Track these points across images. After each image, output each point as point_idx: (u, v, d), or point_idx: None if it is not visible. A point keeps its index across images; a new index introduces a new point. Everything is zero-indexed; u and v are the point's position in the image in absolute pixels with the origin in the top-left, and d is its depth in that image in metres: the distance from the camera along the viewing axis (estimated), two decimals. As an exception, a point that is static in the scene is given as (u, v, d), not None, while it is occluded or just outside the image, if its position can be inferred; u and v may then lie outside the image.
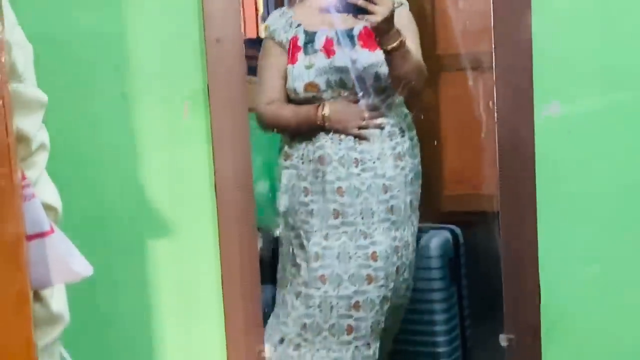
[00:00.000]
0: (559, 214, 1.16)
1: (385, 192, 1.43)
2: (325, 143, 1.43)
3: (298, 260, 1.48)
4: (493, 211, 1.19)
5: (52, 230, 0.82)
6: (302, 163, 1.47)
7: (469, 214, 1.69)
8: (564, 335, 1.19)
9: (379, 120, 1.44)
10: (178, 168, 1.17)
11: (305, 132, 1.45)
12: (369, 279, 1.43)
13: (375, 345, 1.47)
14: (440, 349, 1.73)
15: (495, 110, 1.12)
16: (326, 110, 1.41)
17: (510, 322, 1.15)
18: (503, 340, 1.13)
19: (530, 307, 1.14)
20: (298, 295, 1.46)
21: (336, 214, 1.42)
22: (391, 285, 1.45)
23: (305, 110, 1.44)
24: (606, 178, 1.18)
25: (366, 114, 1.42)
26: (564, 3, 1.15)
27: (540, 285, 1.15)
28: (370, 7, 1.25)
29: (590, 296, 1.20)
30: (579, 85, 1.17)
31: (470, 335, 1.76)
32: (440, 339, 1.72)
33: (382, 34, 1.30)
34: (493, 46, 1.11)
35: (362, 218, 1.44)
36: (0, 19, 0.69)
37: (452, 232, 1.76)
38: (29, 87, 0.84)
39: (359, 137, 1.42)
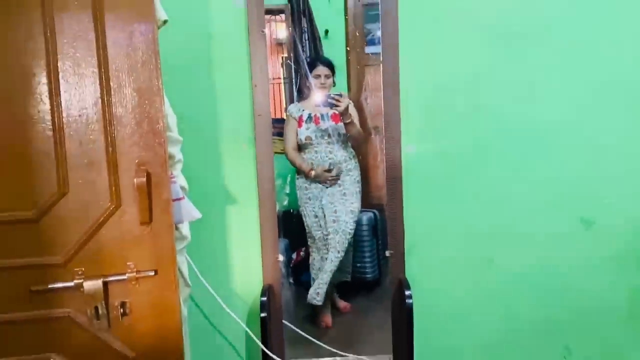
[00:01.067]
0: (413, 200, 2.08)
1: (344, 194, 2.73)
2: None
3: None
4: None
5: (183, 197, 1.69)
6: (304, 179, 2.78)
7: (379, 204, 2.76)
8: (414, 252, 2.11)
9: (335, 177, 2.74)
10: (242, 173, 2.05)
11: None
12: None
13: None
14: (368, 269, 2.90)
15: (385, 151, 2.05)
16: (312, 173, 2.73)
17: (391, 245, 2.09)
18: (388, 253, 2.09)
19: (400, 242, 2.08)
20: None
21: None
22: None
23: (306, 166, 2.74)
24: (437, 183, 2.10)
25: (330, 177, 2.74)
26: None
27: (404, 230, 2.08)
28: (337, 104, 2.52)
29: (427, 235, 2.12)
30: (419, 140, 2.06)
31: (382, 260, 2.87)
32: (368, 264, 2.89)
33: (342, 115, 2.58)
34: (382, 123, 2.04)
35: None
36: (162, 103, 1.42)
37: (374, 213, 2.97)
38: (174, 133, 1.77)
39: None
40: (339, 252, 2.73)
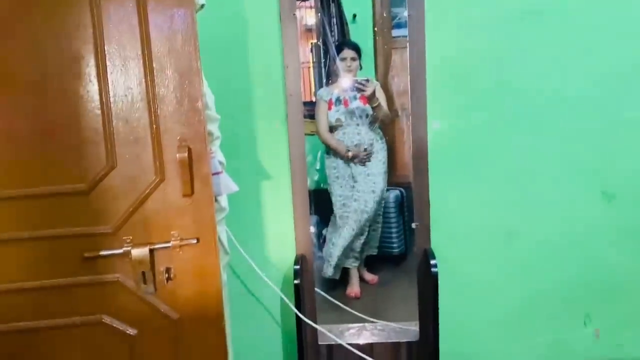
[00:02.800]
0: (438, 174, 2.10)
1: (368, 175, 2.77)
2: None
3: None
4: None
5: (222, 172, 1.75)
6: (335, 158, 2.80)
7: (406, 182, 2.80)
8: (439, 224, 2.14)
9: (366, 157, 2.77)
10: (275, 147, 2.11)
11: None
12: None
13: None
14: (394, 244, 2.95)
15: (411, 127, 2.06)
16: (350, 154, 2.74)
17: (417, 217, 2.11)
18: (414, 225, 2.12)
19: (425, 214, 2.10)
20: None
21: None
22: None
23: (342, 147, 2.76)
24: (462, 157, 2.10)
25: (365, 155, 2.76)
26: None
27: (430, 202, 2.10)
28: (363, 89, 2.55)
29: (452, 207, 2.14)
30: (444, 116, 2.07)
31: (409, 236, 2.92)
32: (395, 239, 2.94)
33: (369, 99, 2.60)
34: (409, 101, 2.06)
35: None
36: (201, 84, 1.45)
37: (400, 190, 3.03)
38: (212, 112, 1.75)
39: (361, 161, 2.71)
40: (353, 229, 2.78)
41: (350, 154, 2.75)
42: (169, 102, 1.47)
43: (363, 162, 2.76)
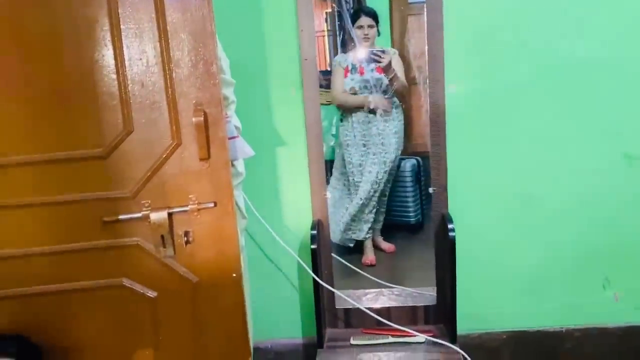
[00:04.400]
0: (455, 138, 2.07)
1: (382, 144, 2.72)
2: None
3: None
4: None
5: (237, 136, 1.74)
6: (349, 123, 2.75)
7: (423, 151, 2.67)
8: (456, 189, 2.12)
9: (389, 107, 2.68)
10: (291, 113, 2.09)
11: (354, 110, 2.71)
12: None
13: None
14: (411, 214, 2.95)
15: (428, 91, 2.04)
16: (371, 103, 2.66)
17: (434, 182, 2.10)
18: (431, 190, 2.11)
19: (443, 178, 2.09)
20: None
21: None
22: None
23: (361, 99, 2.67)
24: (479, 120, 2.08)
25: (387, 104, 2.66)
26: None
27: (447, 170, 2.08)
28: (380, 60, 2.51)
29: (469, 171, 2.12)
30: (461, 79, 2.03)
31: (425, 205, 2.87)
32: (411, 208, 2.93)
33: (385, 70, 2.55)
34: (426, 66, 2.03)
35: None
36: (216, 47, 1.43)
37: (416, 159, 2.95)
38: (227, 76, 1.72)
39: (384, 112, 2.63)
40: (361, 199, 2.77)
41: (370, 102, 2.71)
42: (184, 65, 1.46)
43: (387, 110, 2.72)
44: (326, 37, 3.41)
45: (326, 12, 3.46)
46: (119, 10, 1.42)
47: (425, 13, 1.99)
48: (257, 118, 2.09)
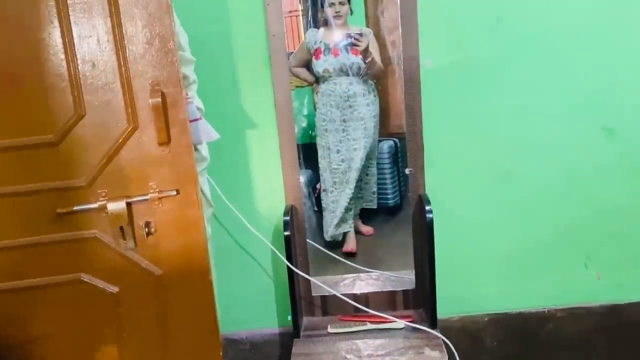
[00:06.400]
0: (432, 120, 2.00)
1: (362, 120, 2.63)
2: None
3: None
4: None
5: (200, 118, 1.64)
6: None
7: (401, 132, 2.61)
8: (433, 168, 2.06)
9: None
10: (259, 93, 1.99)
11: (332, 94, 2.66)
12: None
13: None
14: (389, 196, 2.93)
15: (402, 66, 1.96)
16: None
17: (411, 163, 2.04)
18: (407, 171, 2.05)
19: (419, 158, 2.03)
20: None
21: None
22: None
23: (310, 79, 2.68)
24: (451, 97, 2.01)
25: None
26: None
27: (424, 149, 2.02)
28: (357, 44, 2.44)
29: (446, 150, 2.06)
30: (436, 53, 1.97)
31: (403, 187, 2.83)
32: (389, 190, 2.91)
33: (362, 54, 2.46)
34: (400, 42, 1.95)
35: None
36: (173, 22, 1.34)
37: (394, 141, 2.93)
38: (186, 53, 1.63)
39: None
40: (351, 189, 2.70)
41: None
42: (138, 42, 1.37)
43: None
44: (300, 17, 3.31)
45: (300, -9, 3.36)
46: (65, -17, 1.32)
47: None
48: (222, 99, 1.99)
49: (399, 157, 3.00)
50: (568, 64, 1.97)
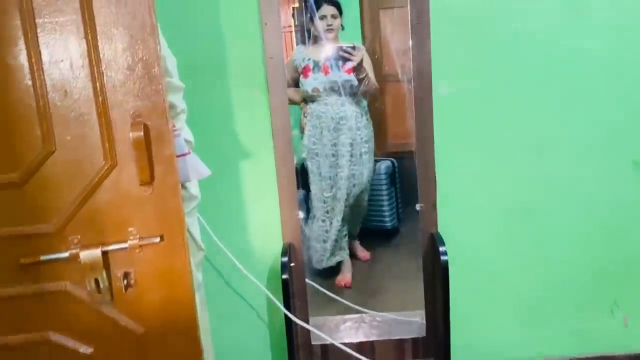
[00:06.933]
0: (444, 146, 1.85)
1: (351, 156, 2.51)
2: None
3: None
4: (412, 150, 1.91)
5: (189, 152, 1.48)
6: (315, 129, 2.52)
7: (398, 152, 2.58)
8: (448, 205, 1.91)
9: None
10: (255, 123, 1.84)
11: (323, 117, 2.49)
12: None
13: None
14: (387, 218, 2.79)
15: (414, 91, 1.80)
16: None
17: (422, 198, 1.87)
18: (418, 207, 1.87)
19: (432, 191, 1.86)
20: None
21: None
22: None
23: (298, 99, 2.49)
24: (468, 126, 1.86)
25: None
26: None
27: (436, 181, 1.85)
28: (350, 57, 2.26)
29: (461, 186, 1.90)
30: (450, 78, 1.82)
31: (401, 212, 2.71)
32: (387, 212, 2.75)
33: (356, 69, 2.30)
34: (411, 65, 1.79)
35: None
36: (158, 44, 1.17)
37: (391, 161, 2.78)
38: (174, 79, 1.45)
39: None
40: (338, 220, 2.53)
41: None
42: (118, 68, 1.19)
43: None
44: (293, 33, 3.20)
45: (293, 8, 3.27)
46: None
47: (408, 4, 1.75)
48: (214, 128, 1.83)
49: (396, 178, 2.86)
50: (595, 92, 1.83)
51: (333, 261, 2.59)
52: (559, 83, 1.82)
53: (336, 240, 2.55)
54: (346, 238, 2.63)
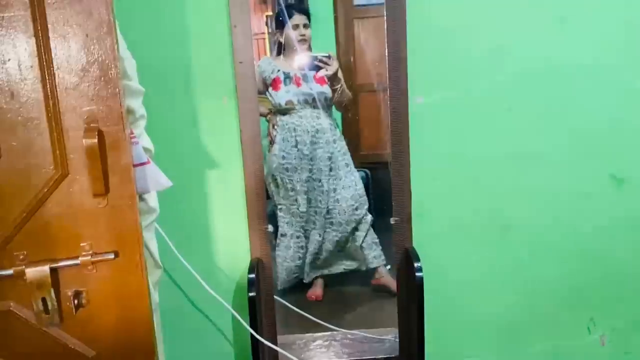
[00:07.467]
0: (420, 157, 1.79)
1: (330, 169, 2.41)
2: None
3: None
4: (386, 161, 1.84)
5: (148, 162, 1.37)
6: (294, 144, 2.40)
7: (372, 162, 2.48)
8: (422, 219, 1.84)
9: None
10: (223, 131, 1.75)
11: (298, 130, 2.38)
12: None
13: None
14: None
15: (389, 102, 1.74)
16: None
17: (396, 212, 1.81)
18: (392, 221, 1.81)
19: (406, 204, 1.80)
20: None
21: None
22: None
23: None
24: (444, 138, 1.81)
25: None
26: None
27: (411, 194, 1.80)
28: (325, 65, 2.17)
29: (436, 198, 1.85)
30: (427, 89, 1.77)
31: (375, 224, 2.49)
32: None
33: (331, 79, 2.23)
34: (387, 75, 1.73)
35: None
36: (116, 44, 1.10)
37: (365, 172, 2.61)
38: (133, 82, 1.34)
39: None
40: (320, 234, 2.45)
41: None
42: (71, 69, 1.11)
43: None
44: (267, 41, 3.13)
45: (267, 16, 3.21)
46: (-24, -7, 1.06)
47: (385, 13, 1.69)
48: (177, 136, 1.74)
49: (370, 189, 2.79)
50: (574, 105, 1.79)
51: (311, 277, 2.50)
52: (537, 95, 1.78)
53: (317, 254, 2.46)
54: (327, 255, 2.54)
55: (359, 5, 2.78)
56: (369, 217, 2.46)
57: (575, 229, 1.88)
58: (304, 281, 2.48)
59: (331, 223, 2.47)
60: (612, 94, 1.79)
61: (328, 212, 2.42)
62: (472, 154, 1.81)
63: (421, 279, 1.72)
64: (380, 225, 2.47)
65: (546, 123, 1.80)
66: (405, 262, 1.82)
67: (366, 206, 2.46)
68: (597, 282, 1.92)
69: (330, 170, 2.39)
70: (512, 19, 1.73)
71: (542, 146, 1.82)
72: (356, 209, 2.44)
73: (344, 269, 2.52)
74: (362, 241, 2.44)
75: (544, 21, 1.74)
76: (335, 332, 2.07)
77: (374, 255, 2.45)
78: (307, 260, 2.47)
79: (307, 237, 2.46)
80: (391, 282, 2.34)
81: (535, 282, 1.92)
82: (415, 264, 1.73)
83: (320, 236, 2.44)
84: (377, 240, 2.45)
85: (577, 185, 1.84)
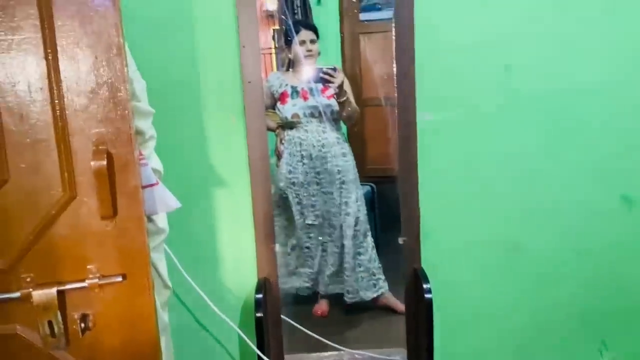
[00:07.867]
0: (429, 176, 1.78)
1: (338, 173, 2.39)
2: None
3: None
4: (394, 175, 1.84)
5: (157, 183, 1.36)
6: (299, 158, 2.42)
7: (378, 177, 2.50)
8: (431, 239, 1.83)
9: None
10: (231, 150, 1.75)
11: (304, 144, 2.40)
12: None
13: None
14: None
15: (397, 119, 1.74)
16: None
17: (404, 231, 1.80)
18: (400, 240, 1.80)
19: (414, 225, 1.79)
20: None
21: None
22: None
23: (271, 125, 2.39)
24: (452, 156, 1.80)
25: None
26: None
27: (420, 216, 1.79)
28: (331, 80, 2.16)
29: (445, 218, 1.83)
30: (436, 107, 1.76)
31: (380, 239, 2.51)
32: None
33: (337, 93, 2.22)
34: (395, 91, 1.73)
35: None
36: (125, 66, 1.10)
37: (371, 186, 2.66)
38: (142, 104, 1.36)
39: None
40: (337, 247, 2.44)
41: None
42: (80, 90, 1.11)
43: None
44: (273, 56, 3.15)
45: (273, 29, 3.22)
46: (-15, 15, 1.06)
47: (393, 30, 1.70)
48: (186, 156, 1.74)
49: (375, 204, 2.78)
50: (585, 124, 1.78)
51: (330, 290, 2.49)
52: (547, 114, 1.77)
53: (333, 265, 2.46)
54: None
55: (365, 21, 2.81)
56: (370, 240, 2.47)
57: (586, 250, 1.86)
58: (320, 293, 2.49)
59: (342, 236, 2.46)
60: (624, 113, 1.78)
61: (341, 226, 2.42)
62: (481, 172, 1.80)
63: (430, 301, 1.70)
64: (384, 242, 2.45)
65: (556, 142, 1.79)
66: (414, 283, 1.80)
67: (366, 225, 2.47)
68: (608, 305, 1.89)
69: (343, 183, 2.39)
70: (522, 36, 1.73)
71: (552, 166, 1.81)
72: (355, 224, 2.44)
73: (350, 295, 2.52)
74: (365, 268, 2.46)
75: (554, 39, 1.74)
76: (342, 352, 2.05)
77: (374, 283, 2.46)
78: (327, 272, 2.46)
79: (324, 250, 2.46)
80: (394, 303, 2.33)
81: (545, 303, 1.90)
82: (425, 285, 1.71)
83: (337, 248, 2.43)
84: (379, 265, 2.46)
85: (588, 206, 1.83)
